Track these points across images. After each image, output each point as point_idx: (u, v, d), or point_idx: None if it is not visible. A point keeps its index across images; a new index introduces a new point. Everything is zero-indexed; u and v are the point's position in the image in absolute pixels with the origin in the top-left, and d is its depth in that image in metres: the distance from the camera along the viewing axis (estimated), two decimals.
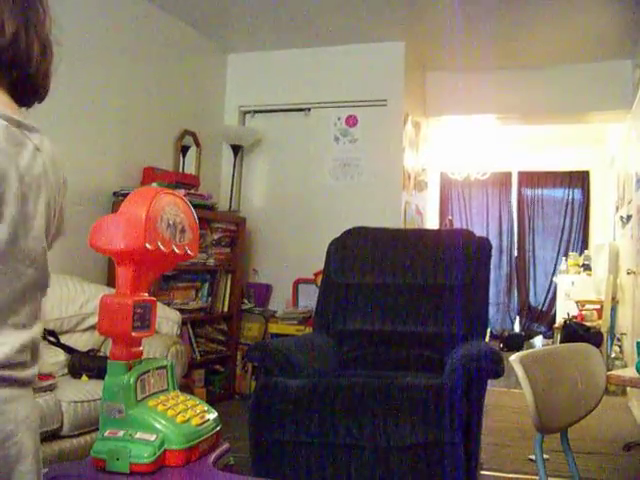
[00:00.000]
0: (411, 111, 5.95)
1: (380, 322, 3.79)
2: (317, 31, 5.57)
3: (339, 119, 5.83)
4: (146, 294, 2.15)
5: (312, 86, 5.90)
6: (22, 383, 1.11)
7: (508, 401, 5.66)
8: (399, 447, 2.85)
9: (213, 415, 2.23)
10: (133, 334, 2.06)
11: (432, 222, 7.30)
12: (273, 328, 5.49)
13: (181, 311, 4.35)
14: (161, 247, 2.08)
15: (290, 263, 5.74)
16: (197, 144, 5.61)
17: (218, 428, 2.23)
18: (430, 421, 2.81)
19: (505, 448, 4.19)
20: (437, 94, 6.48)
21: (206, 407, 2.25)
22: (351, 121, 5.80)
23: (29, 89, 1.21)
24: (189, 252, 2.26)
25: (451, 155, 9.13)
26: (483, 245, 3.95)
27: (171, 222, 2.16)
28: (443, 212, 10.39)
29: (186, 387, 4.16)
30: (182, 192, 4.41)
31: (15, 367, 1.08)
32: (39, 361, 1.18)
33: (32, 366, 1.15)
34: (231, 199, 5.87)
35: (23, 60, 1.15)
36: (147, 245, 2.02)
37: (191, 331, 5.06)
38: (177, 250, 2.18)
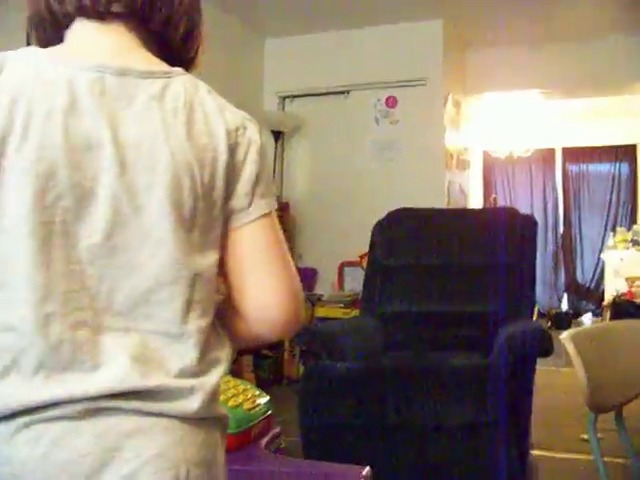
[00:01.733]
0: (451, 89, 5.88)
1: (426, 303, 3.78)
2: (353, 13, 5.53)
3: (379, 100, 5.80)
4: None
5: (350, 68, 5.86)
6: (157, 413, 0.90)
7: (559, 380, 5.60)
8: (448, 427, 2.85)
9: (264, 399, 2.26)
10: None
11: (476, 201, 7.25)
12: (320, 312, 5.50)
13: None
14: None
15: (334, 246, 5.73)
16: None
17: (269, 412, 2.25)
18: (478, 401, 2.80)
19: (557, 428, 4.15)
20: (477, 71, 6.39)
21: (257, 392, 2.27)
22: (391, 102, 5.76)
23: (161, 40, 1.06)
24: None
25: (493, 133, 9.02)
26: (528, 223, 3.90)
27: None
28: (487, 191, 10.26)
29: (235, 372, 4.20)
30: None
31: (140, 395, 0.88)
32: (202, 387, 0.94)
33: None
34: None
35: None
36: None
37: None
38: None
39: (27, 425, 0.84)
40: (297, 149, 6.12)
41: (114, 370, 0.87)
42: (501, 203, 9.95)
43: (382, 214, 4.13)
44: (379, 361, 3.22)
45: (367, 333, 3.63)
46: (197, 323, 0.95)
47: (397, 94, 5.75)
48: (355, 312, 4.94)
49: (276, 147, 5.93)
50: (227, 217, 1.00)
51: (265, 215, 1.02)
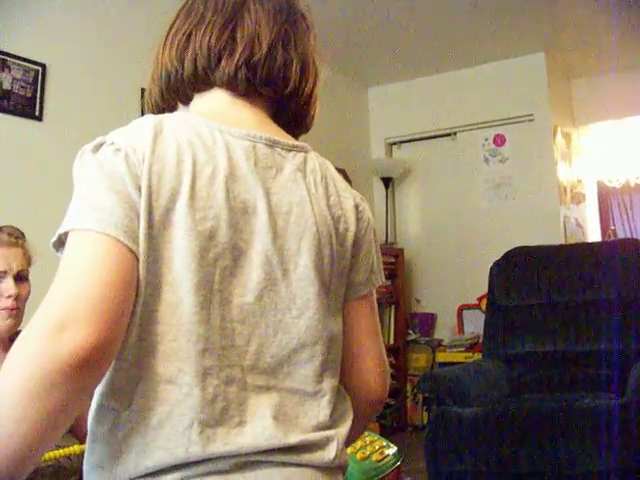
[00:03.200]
0: (559, 122, 5.78)
1: (551, 343, 3.69)
2: (453, 54, 5.54)
3: (486, 140, 5.75)
4: None
5: (455, 110, 5.86)
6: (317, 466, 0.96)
7: None
8: (584, 474, 2.74)
9: (392, 450, 2.25)
10: None
11: (594, 234, 7.01)
12: (441, 357, 5.43)
13: None
14: None
15: (452, 289, 5.67)
16: (348, 180, 5.66)
17: (398, 463, 2.24)
18: (617, 445, 2.69)
19: None
20: (585, 101, 6.24)
21: (385, 442, 2.27)
22: (499, 140, 5.71)
23: (289, 113, 1.11)
24: None
25: (607, 162, 8.77)
26: None
27: None
28: (603, 222, 9.93)
29: None
30: None
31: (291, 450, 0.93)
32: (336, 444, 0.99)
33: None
34: (387, 231, 5.90)
35: (278, 78, 1.05)
36: None
37: None
38: None
39: None
40: (408, 194, 6.13)
41: (260, 428, 0.90)
42: (621, 235, 9.59)
43: (498, 254, 4.08)
44: (507, 405, 3.15)
45: (491, 376, 3.57)
46: (330, 382, 1.00)
47: (504, 132, 5.70)
48: (477, 355, 4.86)
49: (387, 193, 5.97)
50: (347, 287, 1.07)
51: (372, 292, 1.11)
